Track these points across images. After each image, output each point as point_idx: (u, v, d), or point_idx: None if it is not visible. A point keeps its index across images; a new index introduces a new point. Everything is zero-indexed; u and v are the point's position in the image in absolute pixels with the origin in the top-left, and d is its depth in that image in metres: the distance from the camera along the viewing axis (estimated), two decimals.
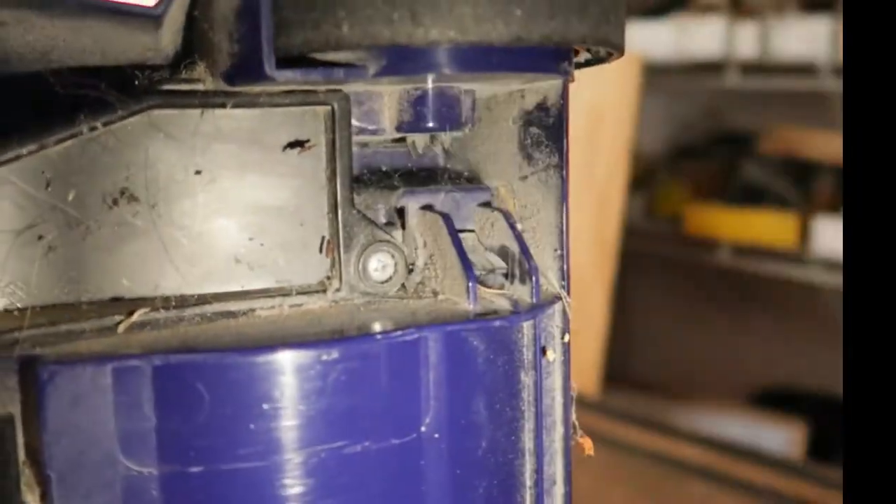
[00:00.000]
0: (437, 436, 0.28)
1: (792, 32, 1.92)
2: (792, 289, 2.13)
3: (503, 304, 0.31)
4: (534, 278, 0.31)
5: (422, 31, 0.25)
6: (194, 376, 0.25)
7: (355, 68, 0.28)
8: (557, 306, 0.32)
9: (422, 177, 0.35)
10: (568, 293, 0.33)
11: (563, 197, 0.32)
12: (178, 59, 0.30)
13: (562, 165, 0.32)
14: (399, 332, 0.27)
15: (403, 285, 0.33)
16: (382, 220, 0.34)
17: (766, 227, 2.05)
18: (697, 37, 2.01)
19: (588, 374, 1.69)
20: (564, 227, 0.32)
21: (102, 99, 0.27)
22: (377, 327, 0.29)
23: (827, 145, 2.04)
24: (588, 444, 0.33)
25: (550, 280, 0.33)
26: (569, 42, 0.27)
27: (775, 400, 2.12)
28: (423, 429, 0.28)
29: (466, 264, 0.31)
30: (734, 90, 2.10)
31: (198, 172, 0.29)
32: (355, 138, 0.32)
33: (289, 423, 0.26)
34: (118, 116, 0.27)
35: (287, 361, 0.26)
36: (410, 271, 0.33)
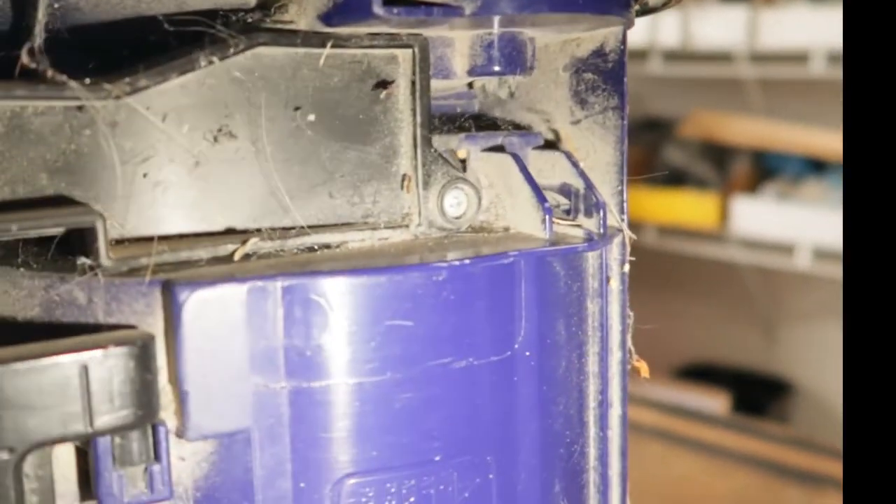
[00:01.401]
0: (527, 353, 0.30)
1: (711, 21, 1.99)
2: (712, 267, 2.21)
3: (576, 234, 0.33)
4: (602, 211, 0.33)
5: None
6: (319, 294, 0.27)
7: (453, 7, 0.29)
8: (618, 238, 0.34)
9: (482, 121, 0.37)
10: (627, 225, 0.35)
11: (623, 136, 0.35)
12: (265, 1, 0.31)
13: (622, 106, 0.34)
14: (499, 256, 0.29)
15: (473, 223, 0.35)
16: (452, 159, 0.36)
17: (688, 208, 2.13)
18: None
19: None
20: (624, 164, 0.35)
21: (214, 36, 0.28)
22: (468, 255, 0.30)
23: (743, 129, 2.13)
24: (644, 368, 0.36)
25: (613, 213, 0.35)
26: None
27: (698, 374, 2.21)
28: (516, 346, 0.30)
29: (542, 197, 0.33)
30: (657, 77, 2.17)
31: (297, 108, 0.30)
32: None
33: (403, 339, 0.28)
34: (231, 52, 0.28)
35: (402, 281, 0.27)
36: (479, 206, 0.35)
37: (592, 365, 0.34)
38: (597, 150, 0.36)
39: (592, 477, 0.35)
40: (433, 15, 0.29)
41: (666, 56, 2.07)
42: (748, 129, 2.12)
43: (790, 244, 1.94)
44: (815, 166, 2.05)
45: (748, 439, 1.09)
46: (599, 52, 0.35)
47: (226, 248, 0.29)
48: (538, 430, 0.31)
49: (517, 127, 0.38)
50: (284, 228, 0.30)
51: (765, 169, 2.13)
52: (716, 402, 2.10)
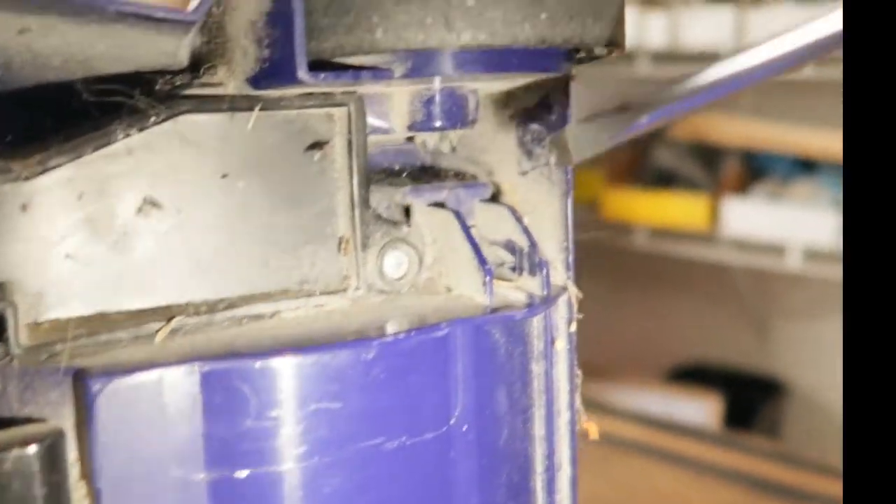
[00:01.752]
0: (465, 428, 0.29)
1: (698, 22, 1.98)
2: (703, 269, 2.20)
3: (518, 297, 0.32)
4: (544, 271, 0.32)
5: (454, 36, 0.26)
6: (242, 380, 0.26)
7: (382, 70, 0.28)
8: (563, 297, 0.34)
9: (426, 174, 0.36)
10: (573, 283, 0.34)
11: (568, 190, 0.34)
12: (195, 63, 0.30)
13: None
14: (432, 329, 0.28)
15: (415, 283, 0.34)
16: (396, 215, 0.35)
17: (678, 209, 2.12)
18: None
19: None
20: (569, 219, 0.34)
21: (133, 106, 0.27)
22: (403, 325, 0.29)
23: (732, 130, 2.12)
24: (593, 429, 0.35)
25: (558, 271, 0.34)
26: (586, 44, 0.28)
27: (690, 375, 2.20)
28: (452, 421, 0.29)
29: (482, 259, 0.32)
30: (645, 78, 2.16)
31: (224, 176, 0.29)
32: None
33: (331, 422, 0.27)
34: (151, 122, 0.27)
35: (328, 362, 0.26)
36: (421, 266, 0.34)
37: (539, 429, 0.33)
38: (543, 203, 0.35)
39: None
40: (361, 78, 0.28)
41: (653, 57, 2.06)
42: (737, 130, 2.11)
43: (781, 244, 1.93)
44: (805, 166, 2.05)
45: (734, 453, 1.08)
46: (545, 103, 0.34)
47: (149, 328, 0.28)
48: None
49: (463, 178, 0.37)
50: (213, 301, 0.29)
51: (755, 169, 2.12)
52: (708, 403, 2.10)
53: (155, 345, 0.27)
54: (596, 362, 2.26)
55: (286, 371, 0.26)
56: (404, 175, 0.35)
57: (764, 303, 2.26)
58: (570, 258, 0.34)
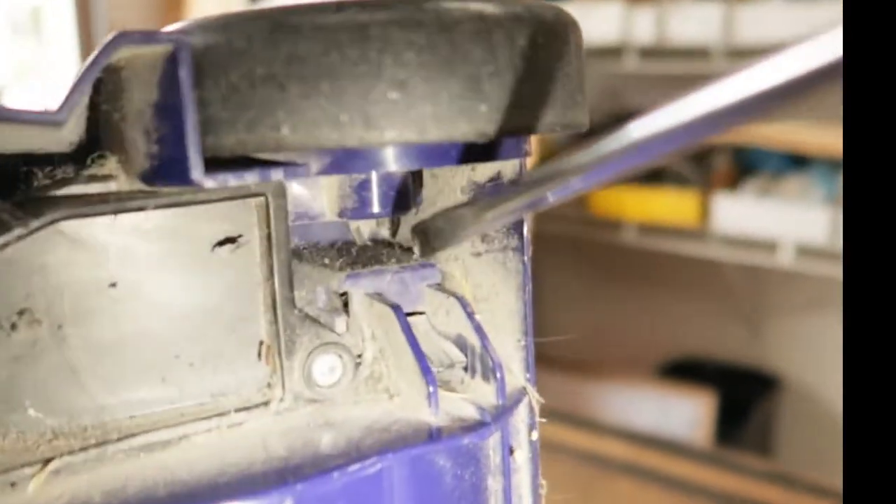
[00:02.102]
0: None
1: (686, 17, 1.94)
2: (694, 265, 2.17)
3: (468, 412, 0.28)
4: (498, 375, 0.28)
5: (376, 134, 0.22)
6: None
7: (295, 166, 0.24)
8: (524, 401, 0.29)
9: (365, 253, 0.31)
10: (534, 384, 0.30)
11: (525, 282, 0.30)
12: (83, 149, 0.26)
13: (522, 249, 0.29)
14: (358, 466, 0.24)
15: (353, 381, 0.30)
16: (321, 304, 0.31)
17: (668, 205, 2.09)
18: (596, 22, 2.01)
19: None
20: (527, 313, 0.30)
21: None
22: (331, 455, 0.25)
23: None
24: None
25: (514, 373, 0.30)
26: (535, 131, 0.24)
27: (683, 371, 2.17)
28: None
29: (425, 368, 0.28)
30: (632, 74, 2.12)
31: (112, 285, 0.25)
32: (291, 225, 0.28)
33: None
34: (15, 237, 0.22)
35: None
36: (358, 364, 0.30)
37: None
38: (499, 293, 0.31)
39: None
40: (268, 179, 0.24)
41: (641, 53, 2.02)
42: None
43: (772, 241, 1.90)
44: (796, 161, 2.01)
45: (726, 474, 1.05)
46: (496, 180, 0.30)
47: (20, 474, 0.23)
48: None
49: (410, 255, 0.32)
50: (105, 425, 0.25)
51: (745, 165, 2.09)
52: (700, 399, 2.07)
53: (26, 495, 0.23)
54: (586, 360, 2.23)
55: None
56: (340, 255, 0.31)
57: (756, 299, 2.23)
58: (530, 357, 0.30)
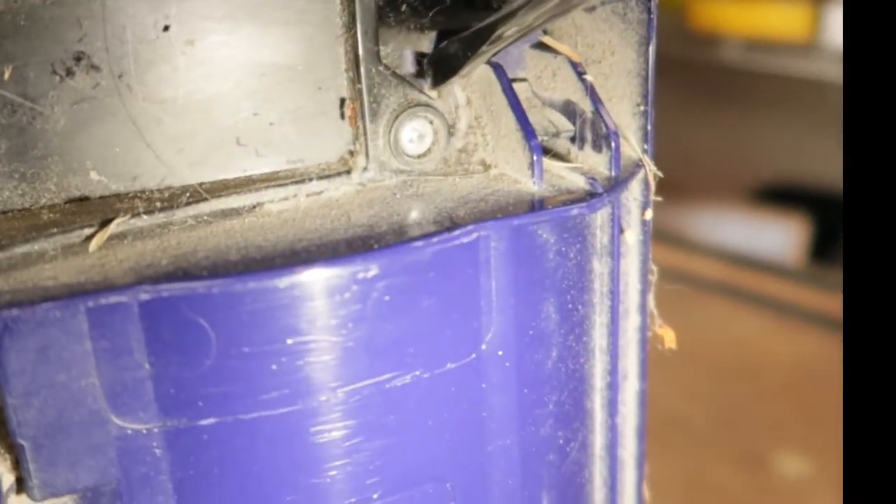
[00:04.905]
0: (501, 353, 0.23)
1: None
2: (801, 84, 2.05)
3: (576, 181, 0.24)
4: (613, 145, 0.25)
5: None
6: (195, 310, 0.19)
7: None
8: (639, 176, 0.26)
9: (459, 9, 0.27)
10: (652, 157, 0.26)
11: (649, 36, 0.25)
12: None
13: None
14: (452, 234, 0.21)
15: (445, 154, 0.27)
16: (411, 70, 0.27)
17: (775, 18, 1.95)
18: None
19: None
20: (649, 74, 0.25)
21: None
22: (421, 224, 0.22)
23: None
24: (670, 336, 0.28)
25: (630, 142, 0.26)
26: None
27: (780, 196, 2.10)
28: (484, 347, 0.23)
29: (529, 132, 0.24)
30: None
31: (166, 28, 0.22)
32: None
33: (320, 358, 0.20)
34: None
35: (313, 284, 0.20)
36: (451, 134, 0.27)
37: (599, 339, 0.26)
38: (615, 51, 0.26)
39: (598, 468, 0.28)
40: None
41: None
42: None
43: None
44: None
45: (819, 292, 1.01)
46: None
47: (80, 233, 0.21)
48: (517, 443, 0.24)
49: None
50: (171, 190, 0.23)
51: None
52: (794, 225, 2.00)
53: (88, 256, 0.21)
54: (680, 183, 2.16)
55: (252, 299, 0.20)
56: (430, 14, 0.27)
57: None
58: (650, 125, 0.26)
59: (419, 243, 0.21)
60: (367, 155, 0.25)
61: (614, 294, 0.26)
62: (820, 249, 1.89)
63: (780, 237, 1.92)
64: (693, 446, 0.78)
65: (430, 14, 0.27)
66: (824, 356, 0.88)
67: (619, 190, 0.24)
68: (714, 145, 2.27)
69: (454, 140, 0.27)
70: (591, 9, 0.27)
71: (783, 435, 0.79)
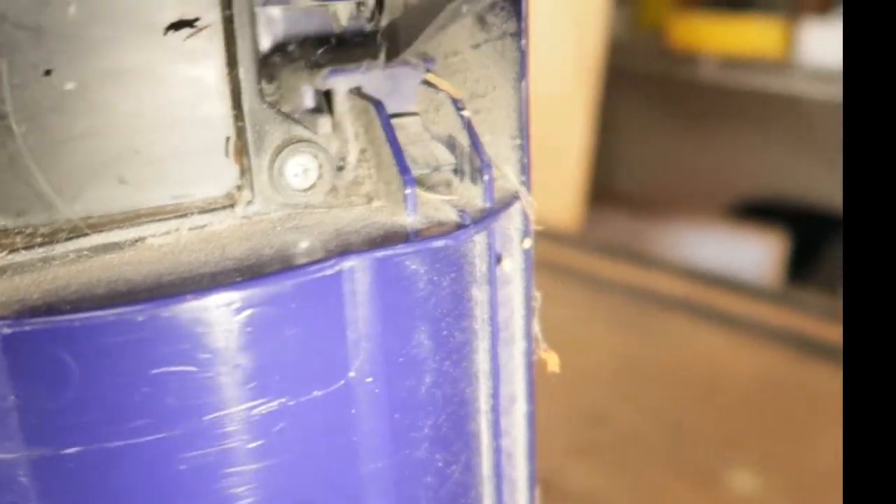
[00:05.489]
0: (370, 380, 0.24)
1: None
2: (775, 101, 2.07)
3: (448, 214, 0.25)
4: (486, 177, 0.26)
5: None
6: (56, 343, 0.20)
7: None
8: (516, 206, 0.27)
9: (353, 49, 0.28)
10: (529, 188, 0.27)
11: (522, 73, 0.26)
12: None
13: (520, 34, 0.26)
14: (313, 266, 0.22)
15: (335, 186, 0.28)
16: (308, 105, 0.28)
17: (752, 35, 1.97)
18: None
19: (569, 199, 1.66)
20: (524, 109, 0.27)
21: None
22: (289, 257, 0.23)
23: None
24: (553, 360, 0.29)
25: (507, 175, 0.27)
26: None
27: (757, 211, 2.11)
28: (351, 374, 0.23)
29: (403, 165, 0.25)
30: None
31: (48, 73, 0.23)
32: (262, 9, 0.26)
33: (183, 387, 0.21)
34: None
35: (172, 317, 0.21)
36: (341, 168, 0.28)
37: (483, 363, 0.27)
38: (497, 86, 0.27)
39: (487, 489, 0.29)
40: None
41: None
42: None
43: None
44: None
45: (785, 311, 1.02)
46: None
47: None
48: (391, 466, 0.25)
49: (397, 52, 0.29)
50: (55, 225, 0.24)
51: None
52: (770, 240, 2.02)
53: None
54: (660, 198, 2.18)
55: (117, 332, 0.20)
56: (325, 51, 0.28)
57: (838, 137, 2.12)
58: (526, 158, 0.27)
59: (280, 276, 0.22)
60: (252, 189, 0.26)
61: (494, 320, 0.27)
62: (796, 266, 1.90)
63: (756, 254, 1.94)
64: (648, 464, 0.79)
65: (319, 52, 0.28)
66: (782, 373, 0.89)
67: (488, 221, 0.25)
68: (689, 160, 2.29)
69: (345, 173, 0.28)
70: (477, 45, 0.28)
71: (737, 452, 0.80)
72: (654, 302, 1.06)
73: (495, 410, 0.28)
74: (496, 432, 0.28)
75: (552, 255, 1.13)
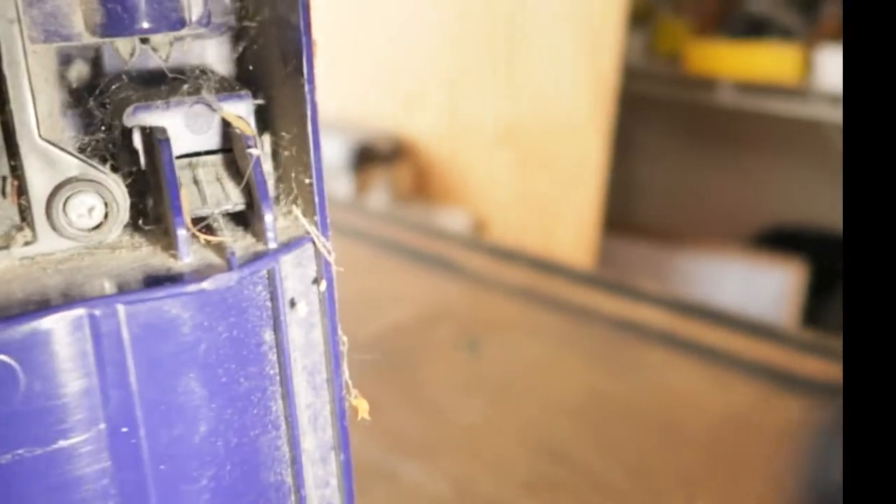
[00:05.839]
0: (125, 430, 0.23)
1: None
2: (794, 126, 2.04)
3: (220, 257, 0.25)
4: (267, 218, 0.25)
5: None
6: None
7: None
8: (305, 248, 0.26)
9: (139, 84, 0.28)
10: (325, 231, 0.26)
11: (309, 111, 0.25)
12: None
13: (309, 80, 0.25)
14: (40, 312, 0.21)
15: (139, 225, 0.27)
16: (119, 141, 0.28)
17: (769, 61, 1.94)
18: None
19: (585, 230, 1.64)
20: (313, 152, 0.26)
21: None
22: (31, 302, 0.23)
23: None
24: (363, 406, 0.28)
25: (296, 216, 0.26)
26: None
27: (777, 239, 2.08)
28: (102, 425, 0.23)
29: (175, 208, 0.24)
30: None
31: None
32: (41, 46, 0.25)
33: None
34: None
35: None
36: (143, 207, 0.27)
37: (284, 409, 0.26)
38: (295, 125, 0.27)
39: None
40: None
41: None
42: None
43: None
44: None
45: (763, 345, 1.00)
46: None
47: None
48: None
49: (228, 84, 0.29)
50: None
51: None
52: (791, 269, 1.98)
53: None
54: (678, 226, 2.15)
55: None
56: (110, 90, 0.27)
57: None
58: (319, 199, 0.26)
59: (9, 322, 0.21)
60: (33, 229, 0.25)
61: (286, 366, 0.26)
62: (817, 297, 1.87)
63: (776, 286, 1.90)
64: (604, 502, 0.77)
65: (110, 90, 0.27)
66: (751, 404, 0.87)
67: (259, 265, 0.24)
68: (709, 188, 2.26)
69: (151, 210, 0.27)
70: (284, 82, 0.27)
71: (697, 490, 0.78)
72: (633, 333, 1.04)
73: (296, 461, 0.27)
74: (300, 482, 0.27)
75: (565, 293, 1.12)
